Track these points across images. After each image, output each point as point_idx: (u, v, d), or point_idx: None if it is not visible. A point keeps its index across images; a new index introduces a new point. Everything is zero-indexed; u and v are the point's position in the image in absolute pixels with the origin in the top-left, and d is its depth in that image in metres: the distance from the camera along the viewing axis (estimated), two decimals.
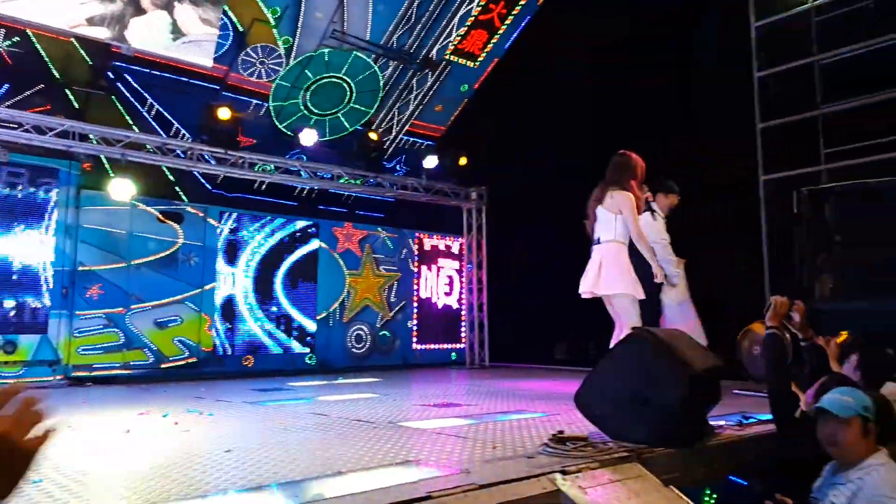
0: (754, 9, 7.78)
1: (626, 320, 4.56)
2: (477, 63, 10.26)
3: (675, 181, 5.71)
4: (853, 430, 2.46)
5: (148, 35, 7.62)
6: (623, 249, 4.65)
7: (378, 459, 3.09)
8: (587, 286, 4.69)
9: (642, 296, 4.59)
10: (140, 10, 7.50)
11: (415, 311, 10.59)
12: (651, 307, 5.15)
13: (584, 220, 4.89)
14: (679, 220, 8.12)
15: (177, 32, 7.74)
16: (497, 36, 10.00)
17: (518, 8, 9.82)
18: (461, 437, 3.67)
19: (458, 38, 9.73)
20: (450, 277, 11.05)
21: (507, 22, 9.88)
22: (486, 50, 10.10)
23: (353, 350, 9.79)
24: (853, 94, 7.04)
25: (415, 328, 10.54)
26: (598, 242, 4.71)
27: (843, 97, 7.13)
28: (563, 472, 2.76)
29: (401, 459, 3.09)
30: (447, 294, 11.00)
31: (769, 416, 3.34)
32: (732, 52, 7.83)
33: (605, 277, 4.58)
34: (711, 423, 3.72)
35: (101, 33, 7.41)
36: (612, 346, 4.50)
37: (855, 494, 2.40)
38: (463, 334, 10.82)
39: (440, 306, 10.87)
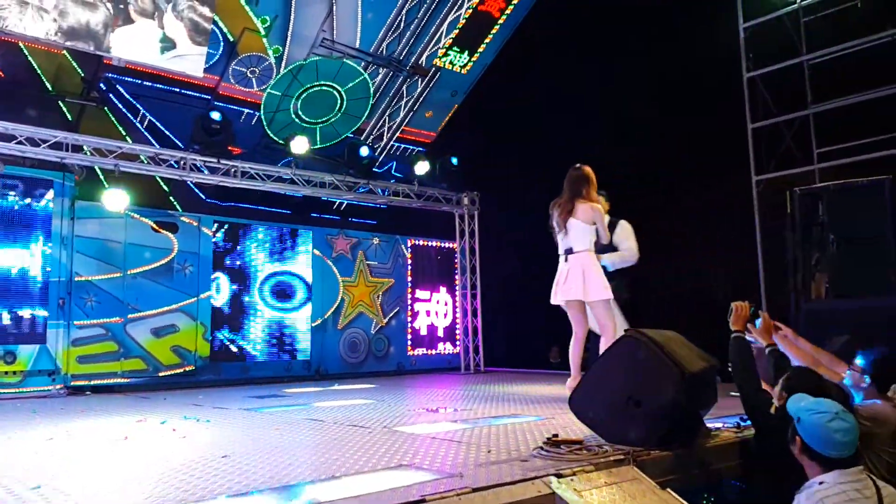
0: (742, 10, 7.85)
1: (608, 322, 4.90)
2: (466, 69, 10.30)
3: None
4: None
5: (135, 45, 7.60)
6: (595, 257, 5.05)
7: (373, 463, 3.10)
8: (573, 294, 4.94)
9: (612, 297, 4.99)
10: (128, 20, 7.50)
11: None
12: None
13: (549, 231, 5.22)
14: (673, 221, 8.19)
15: (166, 42, 7.73)
16: (497, 26, 9.98)
17: (511, 7, 9.85)
18: (455, 441, 3.69)
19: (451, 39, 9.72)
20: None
21: (508, 11, 9.86)
22: (492, 31, 10.05)
23: (349, 356, 9.80)
24: (843, 93, 7.09)
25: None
26: (572, 252, 4.99)
27: (833, 96, 7.18)
28: (558, 476, 2.77)
29: (395, 463, 3.10)
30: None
31: None
32: (721, 54, 7.90)
33: (592, 285, 4.89)
34: (708, 424, 3.74)
35: (84, 43, 7.37)
36: (573, 350, 5.06)
37: None
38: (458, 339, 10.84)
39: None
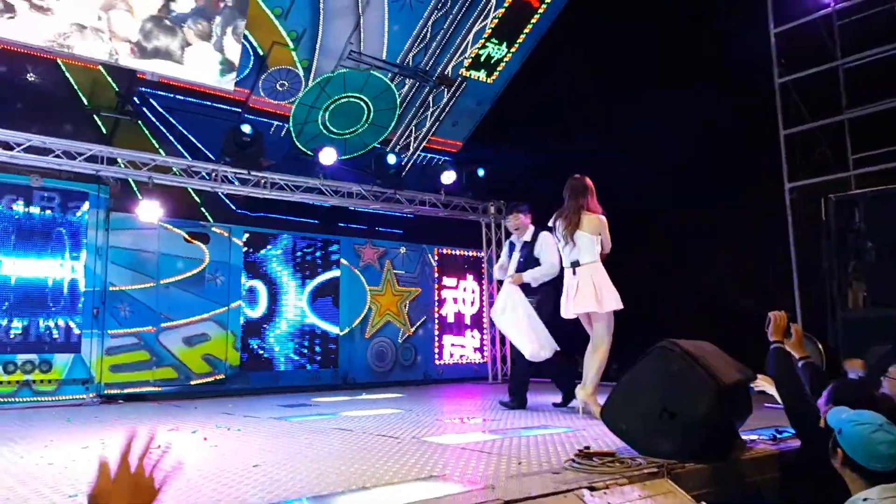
0: (773, 15, 7.72)
1: (605, 336, 4.96)
2: (492, 79, 10.32)
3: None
4: None
5: (194, 67, 7.86)
6: (603, 267, 5.05)
7: (402, 474, 3.09)
8: (586, 306, 4.95)
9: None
10: (186, 43, 7.75)
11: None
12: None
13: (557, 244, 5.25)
14: (704, 231, 8.06)
15: (225, 64, 7.98)
16: (537, 16, 9.98)
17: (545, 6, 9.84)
18: (485, 452, 3.66)
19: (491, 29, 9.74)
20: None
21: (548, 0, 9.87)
22: (532, 20, 10.05)
23: (376, 366, 9.82)
24: (879, 98, 6.93)
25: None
26: (579, 264, 4.99)
27: (868, 101, 7.02)
28: (591, 489, 2.73)
29: (425, 475, 3.09)
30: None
31: None
32: (752, 59, 7.77)
33: (607, 296, 4.91)
34: (743, 437, 3.66)
35: (158, 66, 7.66)
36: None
37: None
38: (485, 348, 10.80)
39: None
